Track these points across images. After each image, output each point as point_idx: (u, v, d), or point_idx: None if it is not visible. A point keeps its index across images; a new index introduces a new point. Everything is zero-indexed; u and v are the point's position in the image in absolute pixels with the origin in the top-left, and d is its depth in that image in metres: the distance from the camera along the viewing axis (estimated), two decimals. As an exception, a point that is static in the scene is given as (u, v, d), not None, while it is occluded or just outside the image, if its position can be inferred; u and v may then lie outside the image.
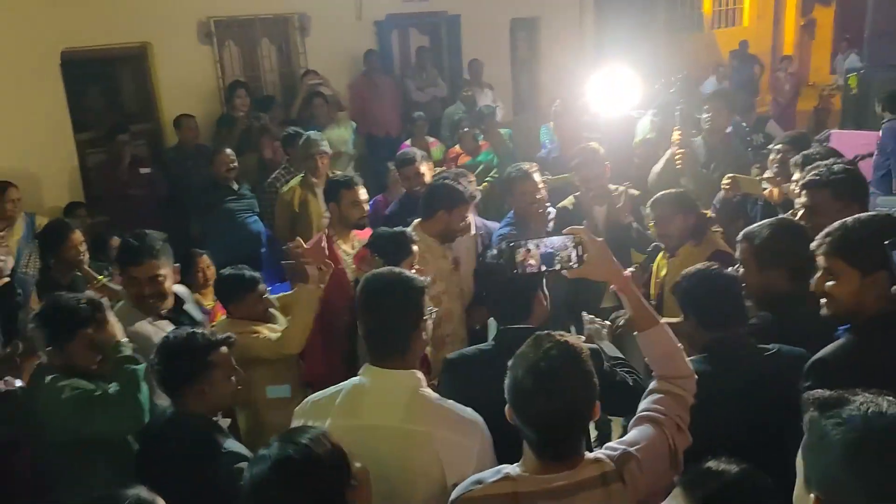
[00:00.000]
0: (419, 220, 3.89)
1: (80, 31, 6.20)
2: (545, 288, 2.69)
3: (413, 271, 3.09)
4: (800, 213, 3.04)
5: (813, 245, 2.30)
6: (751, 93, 10.50)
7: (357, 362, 3.14)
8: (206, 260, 4.98)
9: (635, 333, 2.12)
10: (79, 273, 4.37)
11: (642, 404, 2.06)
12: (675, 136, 4.84)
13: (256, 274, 3.73)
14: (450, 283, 3.81)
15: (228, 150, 5.87)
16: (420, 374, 2.20)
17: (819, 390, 1.42)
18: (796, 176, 3.44)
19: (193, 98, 7.00)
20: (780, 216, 3.10)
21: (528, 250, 2.05)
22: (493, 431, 2.13)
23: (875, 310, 2.14)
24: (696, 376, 2.11)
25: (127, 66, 6.92)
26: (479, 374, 2.35)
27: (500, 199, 7.32)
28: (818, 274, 2.28)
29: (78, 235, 4.49)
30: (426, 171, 5.24)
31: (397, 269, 2.41)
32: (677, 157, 4.75)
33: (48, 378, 2.63)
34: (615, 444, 1.93)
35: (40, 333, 2.68)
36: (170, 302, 3.19)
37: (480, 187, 7.08)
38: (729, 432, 2.06)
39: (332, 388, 2.24)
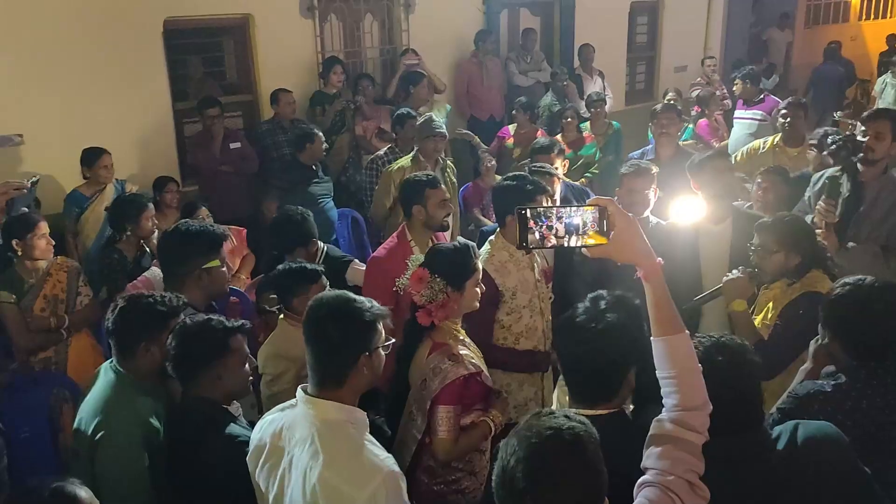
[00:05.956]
0: (499, 227, 3.57)
1: (184, 2, 6.19)
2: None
3: (476, 290, 2.87)
4: None
5: None
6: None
7: (405, 386, 2.86)
8: None
9: (652, 338, 1.77)
10: (147, 249, 4.31)
11: (645, 460, 1.72)
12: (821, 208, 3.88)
13: (319, 267, 3.55)
14: (534, 297, 3.45)
15: (320, 134, 5.78)
16: (348, 409, 2.05)
17: None
18: None
19: (291, 72, 6.88)
20: None
21: (547, 221, 1.68)
22: None
23: None
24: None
25: (228, 37, 6.89)
26: None
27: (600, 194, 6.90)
28: None
29: (151, 210, 4.43)
30: (560, 165, 4.89)
31: (347, 296, 2.16)
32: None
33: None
34: None
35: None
36: None
37: (579, 182, 6.71)
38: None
39: (276, 407, 2.22)
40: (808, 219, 3.81)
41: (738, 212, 3.78)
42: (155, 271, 4.04)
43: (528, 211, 1.69)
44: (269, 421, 2.17)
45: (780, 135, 5.49)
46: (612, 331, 2.01)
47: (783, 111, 5.48)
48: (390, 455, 2.02)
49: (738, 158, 5.51)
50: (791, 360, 2.85)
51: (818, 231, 3.64)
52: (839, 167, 3.94)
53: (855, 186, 3.86)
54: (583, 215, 1.66)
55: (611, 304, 2.09)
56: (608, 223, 1.67)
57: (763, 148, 5.44)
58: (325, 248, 4.15)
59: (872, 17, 15.32)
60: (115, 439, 2.39)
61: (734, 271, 3.16)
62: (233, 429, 2.37)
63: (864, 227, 3.83)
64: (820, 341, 2.48)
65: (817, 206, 3.86)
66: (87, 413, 2.50)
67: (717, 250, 3.66)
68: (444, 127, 5.28)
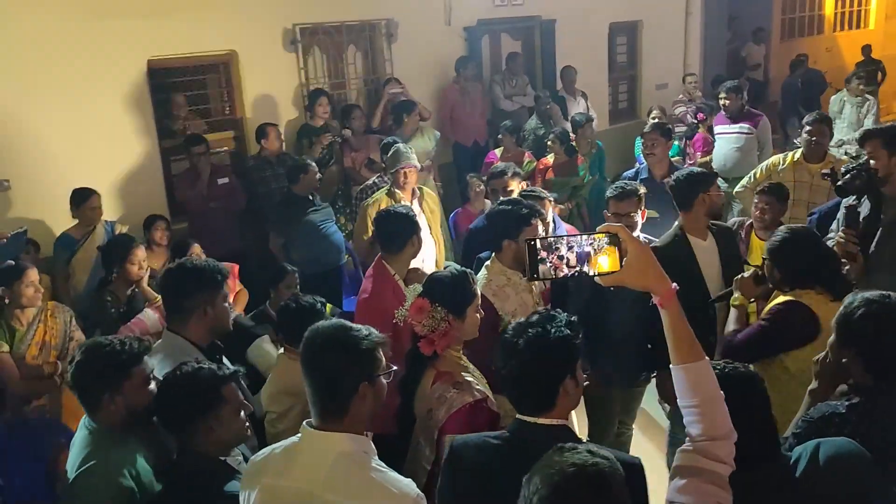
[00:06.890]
0: (494, 252, 3.57)
1: (167, 41, 6.19)
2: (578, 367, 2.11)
3: (477, 316, 2.85)
4: None
5: None
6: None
7: (411, 419, 2.81)
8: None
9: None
10: (137, 290, 4.26)
11: (670, 493, 1.68)
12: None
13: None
14: None
15: (313, 164, 5.83)
16: (358, 439, 2.01)
17: None
18: None
19: (276, 106, 6.91)
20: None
21: (556, 249, 1.64)
22: None
23: None
24: None
25: (213, 74, 6.90)
26: (487, 473, 2.02)
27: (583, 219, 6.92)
28: None
29: (141, 252, 4.39)
30: (515, 187, 4.93)
31: (344, 324, 2.12)
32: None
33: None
34: None
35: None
36: None
37: (572, 204, 6.74)
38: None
39: (271, 447, 2.15)
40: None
41: (713, 226, 3.98)
42: (148, 313, 4.00)
43: (537, 241, 1.66)
44: (269, 462, 2.09)
45: (800, 150, 5.41)
46: (535, 344, 2.02)
47: (808, 128, 5.33)
48: (409, 479, 1.99)
49: (758, 175, 5.48)
50: (751, 360, 2.71)
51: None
52: (856, 196, 3.89)
53: (875, 207, 3.81)
54: (594, 244, 1.64)
55: (538, 320, 2.10)
56: (620, 250, 1.64)
57: (783, 164, 5.37)
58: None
59: (847, 27, 15.58)
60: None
61: (746, 273, 3.41)
62: (233, 486, 2.24)
63: (886, 250, 3.74)
64: (829, 359, 2.38)
65: (836, 237, 3.84)
66: (69, 473, 2.38)
67: (710, 262, 3.86)
68: (414, 157, 5.21)
